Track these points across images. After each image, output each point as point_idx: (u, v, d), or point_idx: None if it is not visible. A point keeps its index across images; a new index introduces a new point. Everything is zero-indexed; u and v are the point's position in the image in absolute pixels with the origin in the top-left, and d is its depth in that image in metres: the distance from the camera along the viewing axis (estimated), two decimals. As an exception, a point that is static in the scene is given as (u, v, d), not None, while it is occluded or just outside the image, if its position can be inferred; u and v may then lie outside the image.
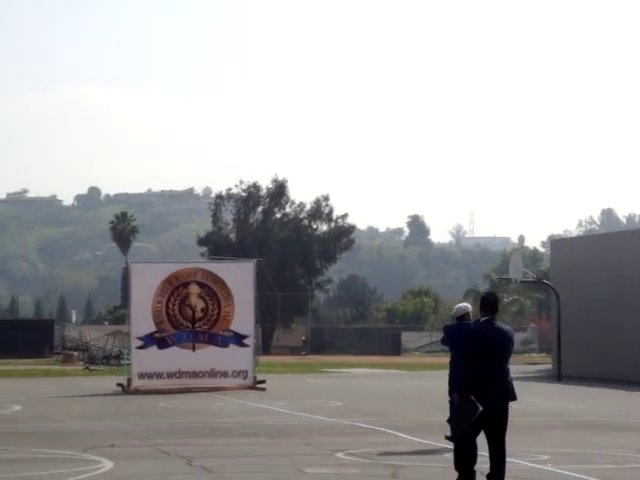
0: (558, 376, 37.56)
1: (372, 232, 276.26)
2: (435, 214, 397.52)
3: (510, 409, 10.28)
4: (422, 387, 31.84)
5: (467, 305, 15.04)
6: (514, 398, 10.38)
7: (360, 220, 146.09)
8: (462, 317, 14.67)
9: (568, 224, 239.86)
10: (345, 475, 11.70)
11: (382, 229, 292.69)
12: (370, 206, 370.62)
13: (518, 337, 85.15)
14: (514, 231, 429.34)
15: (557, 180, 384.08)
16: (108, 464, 12.60)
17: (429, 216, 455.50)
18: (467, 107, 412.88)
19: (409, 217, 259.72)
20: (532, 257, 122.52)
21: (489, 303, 10.50)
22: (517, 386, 10.45)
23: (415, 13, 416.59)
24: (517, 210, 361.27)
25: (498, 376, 10.21)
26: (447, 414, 19.34)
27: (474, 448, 10.42)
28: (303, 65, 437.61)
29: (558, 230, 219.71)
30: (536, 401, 24.66)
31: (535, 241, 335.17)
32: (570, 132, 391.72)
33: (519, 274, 40.42)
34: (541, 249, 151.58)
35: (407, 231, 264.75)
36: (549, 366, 44.60)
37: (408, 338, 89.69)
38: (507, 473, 11.95)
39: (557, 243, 51.89)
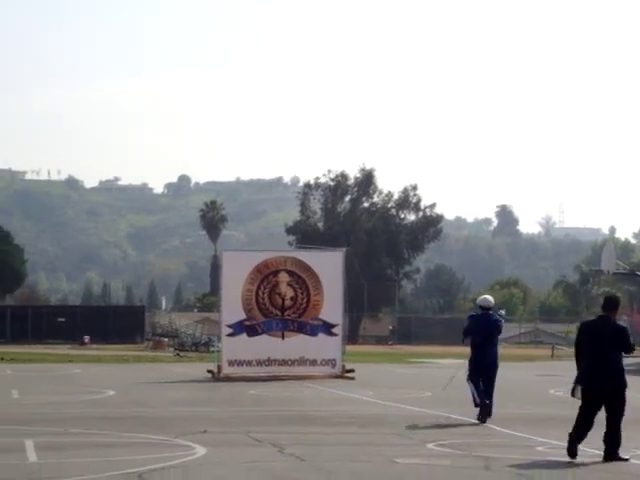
0: (653, 369, 36.77)
1: (460, 222, 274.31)
2: (524, 204, 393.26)
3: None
4: (513, 379, 31.50)
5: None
6: (622, 386, 12.25)
7: (448, 210, 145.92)
8: (490, 308, 17.07)
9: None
10: (437, 466, 11.62)
11: (470, 219, 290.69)
12: (458, 196, 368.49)
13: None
14: (605, 222, 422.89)
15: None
16: (201, 450, 12.71)
17: (518, 206, 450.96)
18: (556, 96, 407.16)
19: (498, 207, 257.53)
20: (623, 248, 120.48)
21: (609, 302, 12.56)
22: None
23: None
24: (608, 201, 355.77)
25: (604, 364, 12.15)
26: (537, 406, 19.54)
27: (590, 424, 12.27)
28: (390, 54, 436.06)
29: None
30: (636, 396, 24.18)
31: (627, 232, 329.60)
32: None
33: (612, 265, 39.73)
34: (632, 240, 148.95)
35: (495, 221, 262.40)
36: (641, 359, 43.72)
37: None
38: (608, 467, 11.79)
39: (650, 234, 50.82)
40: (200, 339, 55.19)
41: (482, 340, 16.88)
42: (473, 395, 16.90)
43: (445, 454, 12.74)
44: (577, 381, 12.40)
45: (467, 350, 17.50)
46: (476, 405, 16.82)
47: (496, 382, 17.18)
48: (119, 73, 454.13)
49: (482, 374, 16.93)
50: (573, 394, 12.41)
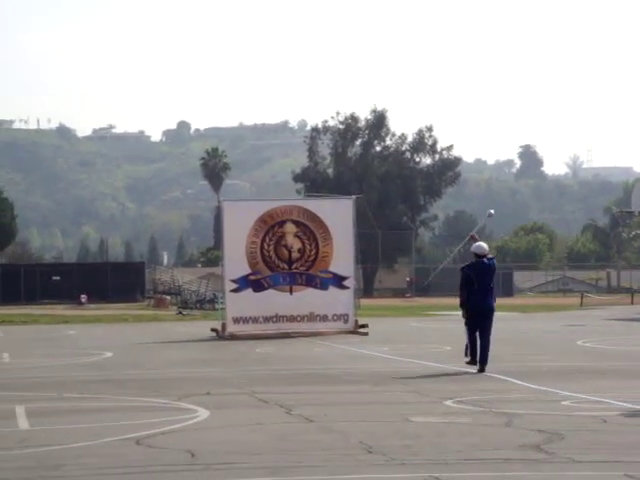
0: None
1: (480, 164, 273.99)
2: (549, 143, 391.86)
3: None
4: (537, 330, 31.58)
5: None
6: None
7: (467, 152, 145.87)
8: (484, 256, 17.69)
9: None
10: (455, 424, 11.63)
11: (491, 161, 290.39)
12: (477, 136, 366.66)
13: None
14: (636, 160, 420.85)
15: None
16: (204, 413, 12.75)
17: (542, 146, 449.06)
18: (583, 25, 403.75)
19: (521, 147, 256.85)
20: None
21: None
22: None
23: None
24: (639, 137, 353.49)
25: None
26: (563, 358, 19.67)
27: None
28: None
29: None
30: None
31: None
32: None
33: (643, 207, 39.61)
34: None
35: (518, 162, 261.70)
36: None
37: (521, 278, 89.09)
38: None
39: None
40: (204, 296, 55.44)
41: (479, 288, 17.62)
42: (466, 347, 17.85)
43: (464, 411, 12.76)
44: None
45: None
46: (466, 355, 17.87)
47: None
48: (111, 14, 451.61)
49: (479, 323, 17.72)
50: None
